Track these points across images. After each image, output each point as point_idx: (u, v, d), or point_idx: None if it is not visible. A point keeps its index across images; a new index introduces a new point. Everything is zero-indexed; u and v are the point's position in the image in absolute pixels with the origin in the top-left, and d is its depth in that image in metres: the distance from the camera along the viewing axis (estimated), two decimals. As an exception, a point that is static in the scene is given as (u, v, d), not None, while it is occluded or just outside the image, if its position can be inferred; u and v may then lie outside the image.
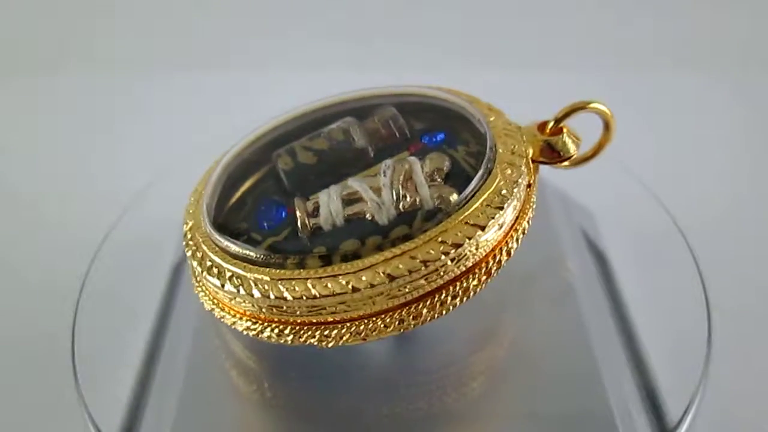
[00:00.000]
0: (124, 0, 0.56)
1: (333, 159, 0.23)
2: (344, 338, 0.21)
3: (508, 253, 0.21)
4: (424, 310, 0.20)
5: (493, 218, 0.20)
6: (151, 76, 0.53)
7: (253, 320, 0.21)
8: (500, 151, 0.22)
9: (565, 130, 0.24)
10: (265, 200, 0.23)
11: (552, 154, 0.23)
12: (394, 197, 0.21)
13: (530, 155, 0.23)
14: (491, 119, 0.23)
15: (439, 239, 0.20)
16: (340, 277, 0.19)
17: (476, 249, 0.20)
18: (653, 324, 0.27)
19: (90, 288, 0.27)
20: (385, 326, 0.20)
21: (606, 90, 0.51)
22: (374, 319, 0.20)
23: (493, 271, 0.21)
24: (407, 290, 0.20)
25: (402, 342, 0.25)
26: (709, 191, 0.41)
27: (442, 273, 0.20)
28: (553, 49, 0.54)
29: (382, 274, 0.19)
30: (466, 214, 0.20)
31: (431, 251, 0.19)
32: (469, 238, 0.20)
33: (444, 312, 0.21)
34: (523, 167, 0.22)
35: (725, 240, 0.37)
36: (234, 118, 0.27)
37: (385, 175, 0.21)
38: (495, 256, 0.21)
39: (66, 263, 0.33)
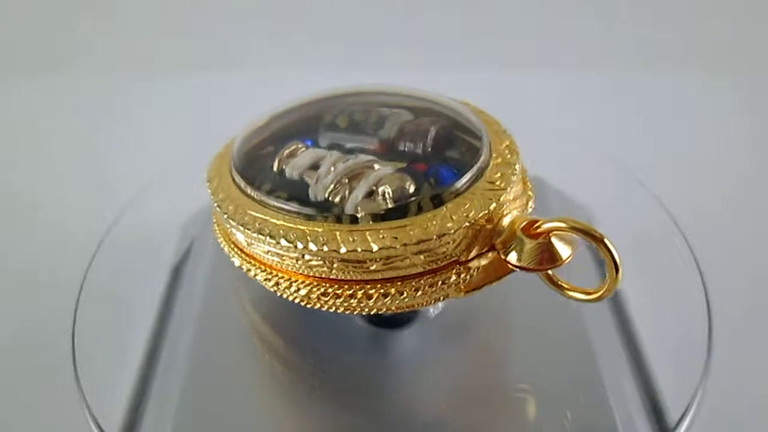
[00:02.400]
0: (124, 0, 0.56)
1: (355, 133, 0.24)
2: (376, 301, 0.21)
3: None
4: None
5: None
6: (151, 77, 0.53)
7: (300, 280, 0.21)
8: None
9: (553, 237, 0.20)
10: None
11: (539, 257, 0.20)
12: (331, 184, 0.21)
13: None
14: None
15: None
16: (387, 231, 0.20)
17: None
18: (653, 324, 0.27)
19: (90, 288, 0.27)
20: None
21: (606, 90, 0.52)
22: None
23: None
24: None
25: (400, 341, 0.25)
26: (709, 191, 0.41)
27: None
28: (553, 49, 0.54)
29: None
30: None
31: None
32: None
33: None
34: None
35: (725, 240, 0.37)
36: (234, 118, 0.27)
37: (344, 162, 0.22)
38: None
39: (66, 263, 0.33)
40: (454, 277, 0.21)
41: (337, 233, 0.20)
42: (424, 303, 0.21)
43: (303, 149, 0.23)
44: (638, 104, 0.51)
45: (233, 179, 0.23)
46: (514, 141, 0.24)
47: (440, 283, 0.21)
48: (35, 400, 0.29)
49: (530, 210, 0.23)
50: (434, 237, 0.20)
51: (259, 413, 0.24)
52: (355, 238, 0.20)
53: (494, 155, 0.23)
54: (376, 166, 0.22)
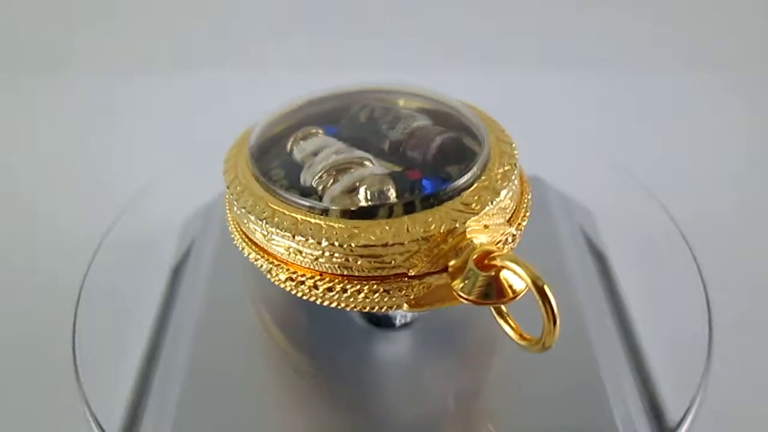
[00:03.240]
0: (124, 0, 0.56)
1: (370, 129, 0.24)
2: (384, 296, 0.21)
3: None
4: None
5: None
6: (151, 76, 0.53)
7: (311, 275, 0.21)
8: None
9: (504, 272, 0.19)
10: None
11: (483, 290, 0.19)
12: (319, 173, 0.22)
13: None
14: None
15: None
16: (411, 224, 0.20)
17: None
18: (653, 324, 0.27)
19: (90, 288, 0.27)
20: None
21: (606, 90, 0.52)
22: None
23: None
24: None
25: (401, 341, 0.25)
26: (709, 191, 0.41)
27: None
28: (553, 49, 0.54)
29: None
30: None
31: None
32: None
33: None
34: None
35: (725, 240, 0.37)
36: (234, 118, 0.27)
37: (339, 154, 0.22)
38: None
39: (66, 263, 0.33)
40: (399, 290, 0.20)
41: (311, 223, 0.20)
42: (370, 308, 0.21)
43: (316, 134, 0.24)
44: (638, 104, 0.51)
45: (249, 167, 0.23)
46: (517, 168, 0.22)
47: (383, 291, 0.20)
48: (35, 400, 0.29)
49: (510, 245, 0.22)
50: (381, 244, 0.20)
51: (259, 413, 0.24)
52: (319, 228, 0.20)
53: (484, 178, 0.22)
54: (367, 164, 0.22)
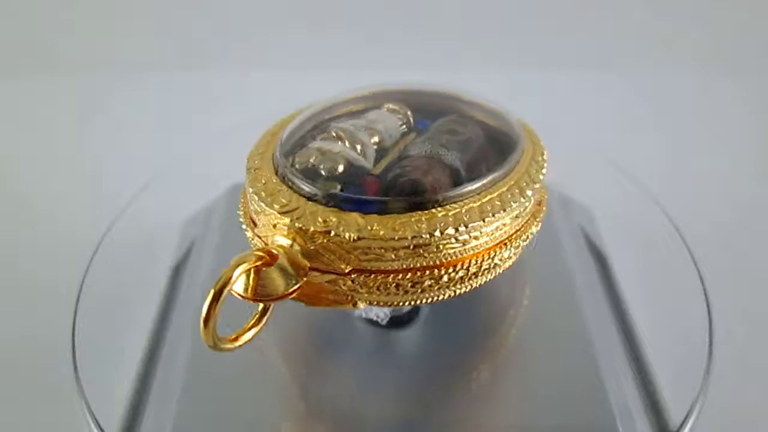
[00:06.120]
0: (124, 0, 0.56)
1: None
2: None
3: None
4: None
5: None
6: (151, 76, 0.53)
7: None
8: None
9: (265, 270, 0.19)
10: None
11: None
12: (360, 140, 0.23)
13: None
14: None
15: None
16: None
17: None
18: (654, 324, 0.27)
19: (90, 288, 0.27)
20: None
21: (606, 90, 0.52)
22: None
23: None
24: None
25: (401, 341, 0.25)
26: (708, 191, 0.41)
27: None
28: (553, 49, 0.54)
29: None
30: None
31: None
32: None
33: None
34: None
35: (725, 240, 0.37)
36: (233, 118, 0.27)
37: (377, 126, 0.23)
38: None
39: (65, 263, 0.33)
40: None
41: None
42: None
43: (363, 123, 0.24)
44: (638, 104, 0.51)
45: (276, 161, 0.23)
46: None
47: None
48: (35, 400, 0.29)
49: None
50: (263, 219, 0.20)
51: (259, 412, 0.24)
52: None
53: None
54: (347, 144, 0.22)
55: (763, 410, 0.29)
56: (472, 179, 0.22)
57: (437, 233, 0.20)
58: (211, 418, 0.23)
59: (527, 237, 0.23)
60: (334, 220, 0.20)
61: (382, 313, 0.25)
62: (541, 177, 0.23)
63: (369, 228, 0.20)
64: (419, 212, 0.20)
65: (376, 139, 0.23)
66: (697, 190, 0.41)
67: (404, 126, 0.25)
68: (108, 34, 0.56)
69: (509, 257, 0.22)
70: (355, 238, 0.20)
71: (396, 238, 0.19)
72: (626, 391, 0.23)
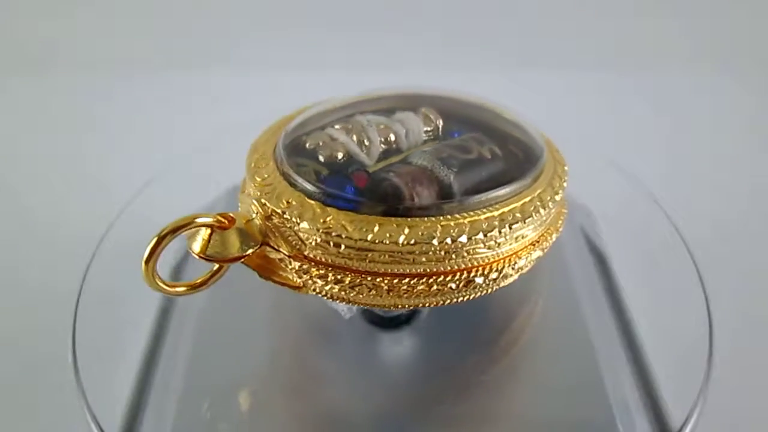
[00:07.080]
0: (123, 0, 0.56)
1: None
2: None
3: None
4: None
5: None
6: (151, 76, 0.53)
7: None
8: None
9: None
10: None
11: None
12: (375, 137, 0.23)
13: None
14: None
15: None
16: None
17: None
18: (654, 325, 0.27)
19: (90, 288, 0.27)
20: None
21: (606, 90, 0.52)
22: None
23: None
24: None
25: (402, 342, 0.25)
26: (708, 191, 0.41)
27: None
28: (553, 49, 0.54)
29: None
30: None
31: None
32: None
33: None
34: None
35: (725, 241, 0.37)
36: (233, 118, 0.27)
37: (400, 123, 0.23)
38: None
39: (65, 263, 0.33)
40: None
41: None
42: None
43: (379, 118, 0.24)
44: (638, 104, 0.51)
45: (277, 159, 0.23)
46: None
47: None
48: (35, 400, 0.29)
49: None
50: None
51: (259, 412, 0.24)
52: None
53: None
54: (353, 139, 0.22)
55: (763, 410, 0.29)
56: (466, 195, 0.21)
57: (385, 241, 0.19)
58: (211, 418, 0.23)
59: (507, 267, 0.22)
60: (294, 204, 0.20)
61: (345, 308, 0.25)
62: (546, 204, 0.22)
63: (321, 221, 0.20)
64: (393, 218, 0.20)
65: (392, 138, 0.23)
66: (697, 190, 0.41)
67: (430, 132, 0.24)
68: (108, 34, 0.56)
69: (479, 287, 0.22)
70: (305, 226, 0.20)
71: (343, 236, 0.19)
72: (626, 391, 0.23)
